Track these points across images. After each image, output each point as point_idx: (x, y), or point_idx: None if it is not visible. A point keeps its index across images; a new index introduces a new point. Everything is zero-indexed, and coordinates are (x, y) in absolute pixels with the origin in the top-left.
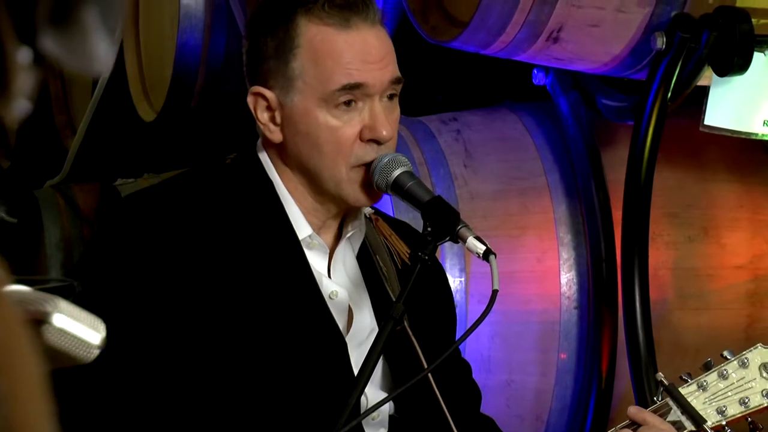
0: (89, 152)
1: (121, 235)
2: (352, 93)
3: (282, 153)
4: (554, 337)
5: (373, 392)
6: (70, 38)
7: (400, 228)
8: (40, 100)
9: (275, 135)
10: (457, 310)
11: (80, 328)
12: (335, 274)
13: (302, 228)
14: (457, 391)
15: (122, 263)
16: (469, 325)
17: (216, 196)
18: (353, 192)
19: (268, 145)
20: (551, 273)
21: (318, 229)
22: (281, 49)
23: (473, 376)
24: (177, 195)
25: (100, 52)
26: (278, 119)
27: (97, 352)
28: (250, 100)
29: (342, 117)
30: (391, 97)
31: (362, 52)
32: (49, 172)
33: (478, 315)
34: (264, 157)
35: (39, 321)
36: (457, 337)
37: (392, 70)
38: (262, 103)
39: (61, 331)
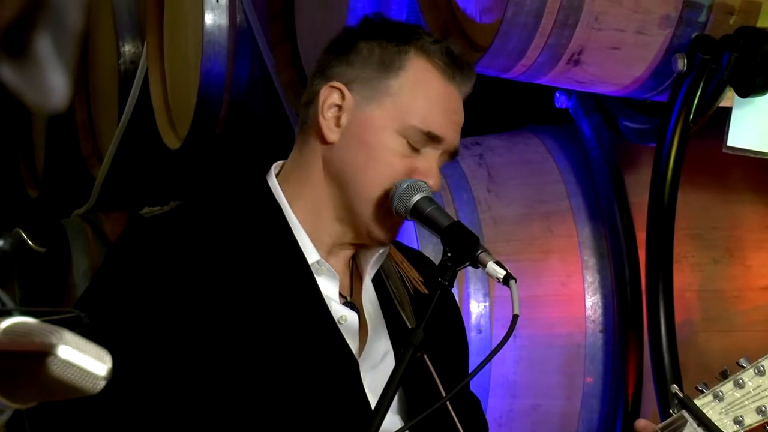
0: (116, 181)
1: (130, 264)
2: (427, 140)
3: (326, 154)
4: (580, 360)
5: (389, 419)
6: (26, 70)
7: (412, 255)
8: (66, 129)
9: (332, 134)
10: (482, 336)
11: (86, 360)
12: (363, 300)
13: (310, 254)
14: (469, 424)
15: (131, 292)
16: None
17: (224, 223)
18: (376, 224)
19: (313, 142)
20: (576, 296)
21: (326, 255)
22: (386, 62)
23: (499, 401)
24: (184, 223)
25: (57, 85)
26: (343, 122)
27: (103, 383)
28: (324, 91)
29: (406, 149)
30: (453, 156)
31: (453, 110)
32: (77, 201)
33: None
34: (273, 183)
35: (45, 353)
36: (471, 364)
37: (458, 140)
38: (333, 100)
39: (67, 363)
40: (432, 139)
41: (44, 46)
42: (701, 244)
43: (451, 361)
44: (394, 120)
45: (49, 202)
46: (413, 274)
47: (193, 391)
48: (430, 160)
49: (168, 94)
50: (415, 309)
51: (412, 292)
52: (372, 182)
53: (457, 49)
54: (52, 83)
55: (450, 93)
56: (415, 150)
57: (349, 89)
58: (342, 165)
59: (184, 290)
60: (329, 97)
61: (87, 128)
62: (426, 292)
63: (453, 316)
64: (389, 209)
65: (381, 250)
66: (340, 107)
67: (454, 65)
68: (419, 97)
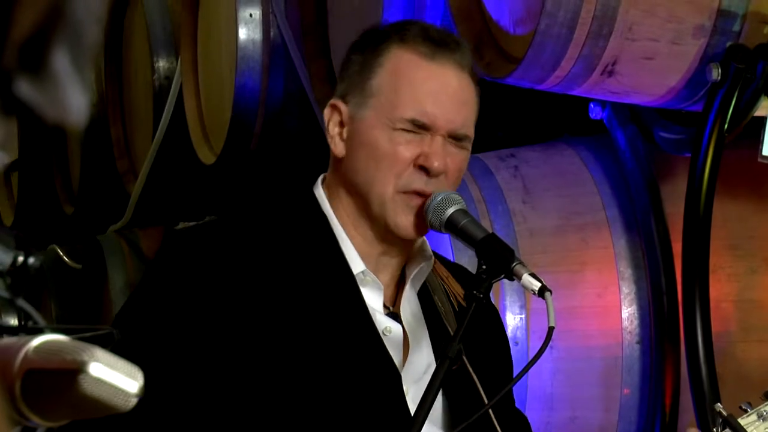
0: (151, 196)
1: (168, 279)
2: (418, 127)
3: (340, 170)
4: (617, 372)
5: (431, 430)
6: (44, 86)
7: (457, 271)
8: (101, 145)
9: (339, 148)
10: (519, 347)
11: (117, 377)
12: (404, 312)
13: (356, 264)
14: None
15: (171, 307)
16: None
17: (267, 234)
18: (395, 216)
19: (333, 161)
20: (612, 308)
21: (373, 267)
22: (366, 65)
23: (537, 414)
24: (222, 236)
25: (75, 101)
26: (345, 134)
27: (135, 400)
28: (327, 111)
29: (404, 137)
30: (458, 139)
31: (439, 87)
32: (112, 217)
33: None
34: (320, 194)
35: (76, 370)
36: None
37: (461, 122)
38: (336, 117)
39: (98, 381)
40: (422, 126)
41: (62, 61)
42: (738, 254)
43: (495, 373)
44: (383, 116)
45: (85, 219)
46: (458, 289)
47: (236, 403)
48: (432, 144)
49: (202, 109)
50: (459, 323)
51: (456, 308)
52: (378, 177)
53: (435, 27)
54: (71, 99)
55: (434, 72)
56: (415, 136)
57: (344, 102)
58: (354, 173)
59: (225, 302)
60: (331, 116)
61: (122, 144)
62: None
63: (496, 330)
64: (401, 201)
65: (424, 262)
66: (341, 122)
67: (433, 44)
68: (399, 87)
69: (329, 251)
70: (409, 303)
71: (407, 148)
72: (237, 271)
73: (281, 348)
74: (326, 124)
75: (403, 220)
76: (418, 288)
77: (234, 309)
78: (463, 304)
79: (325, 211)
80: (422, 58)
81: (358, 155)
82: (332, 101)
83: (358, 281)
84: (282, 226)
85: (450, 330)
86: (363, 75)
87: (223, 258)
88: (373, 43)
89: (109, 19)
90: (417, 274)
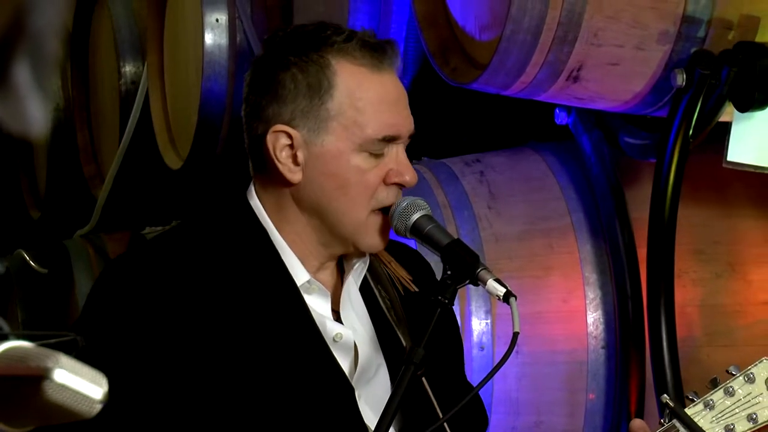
0: (118, 201)
1: (118, 293)
2: (387, 143)
3: (295, 194)
4: (582, 377)
5: None
6: (5, 99)
7: (399, 252)
8: (68, 150)
9: (295, 175)
10: (484, 353)
11: (82, 383)
12: (345, 313)
13: (299, 274)
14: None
15: (120, 321)
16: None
17: (211, 247)
18: (369, 237)
19: (278, 184)
20: (578, 313)
21: (315, 272)
22: (314, 86)
23: (502, 418)
24: (172, 249)
25: (35, 114)
26: (300, 159)
27: (99, 406)
28: (270, 138)
29: (371, 160)
30: (411, 137)
31: (395, 99)
32: (79, 221)
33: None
34: (256, 204)
35: (40, 377)
36: (473, 381)
37: (412, 120)
38: (283, 142)
39: (63, 387)
40: (390, 139)
41: (22, 74)
42: (702, 259)
43: (446, 365)
44: (348, 140)
45: (51, 223)
46: (402, 274)
47: (189, 416)
48: (398, 156)
49: (169, 113)
50: (406, 310)
51: (402, 293)
52: (351, 205)
53: (367, 33)
54: (31, 112)
55: (385, 82)
56: (380, 155)
57: (293, 127)
58: (315, 199)
59: (175, 319)
60: (277, 141)
61: (89, 148)
62: (415, 289)
63: (446, 322)
64: (375, 220)
65: (361, 260)
66: (291, 145)
67: (375, 52)
68: (361, 107)
69: (272, 265)
70: (351, 300)
71: (375, 172)
72: (185, 292)
73: (230, 364)
74: (272, 152)
75: (377, 241)
76: (359, 282)
77: (184, 329)
78: (410, 287)
79: (264, 224)
80: (370, 70)
81: (323, 184)
82: (276, 128)
83: (303, 291)
84: (222, 241)
85: (395, 321)
86: (314, 99)
87: (171, 278)
88: (310, 57)
89: (75, 24)
90: (355, 271)
